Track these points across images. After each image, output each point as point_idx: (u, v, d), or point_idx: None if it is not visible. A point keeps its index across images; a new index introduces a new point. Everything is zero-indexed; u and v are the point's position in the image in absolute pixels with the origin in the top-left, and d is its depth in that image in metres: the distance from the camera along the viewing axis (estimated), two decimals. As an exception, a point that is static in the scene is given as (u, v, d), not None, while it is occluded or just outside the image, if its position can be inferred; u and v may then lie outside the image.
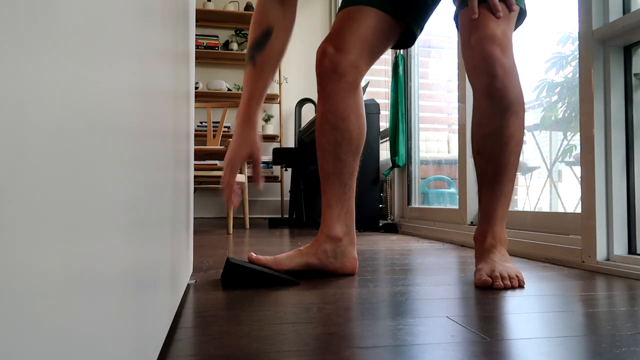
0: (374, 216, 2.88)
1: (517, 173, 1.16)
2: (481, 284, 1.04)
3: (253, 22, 1.21)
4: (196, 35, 4.28)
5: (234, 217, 3.27)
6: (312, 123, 3.26)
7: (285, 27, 1.22)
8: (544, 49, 2.63)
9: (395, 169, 3.01)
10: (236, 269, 1.06)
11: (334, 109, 1.21)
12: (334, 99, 1.21)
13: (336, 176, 1.21)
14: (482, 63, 1.09)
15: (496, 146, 1.11)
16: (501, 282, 1.03)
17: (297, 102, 4.43)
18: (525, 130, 1.16)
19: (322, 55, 1.22)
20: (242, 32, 4.62)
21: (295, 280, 1.09)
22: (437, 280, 1.13)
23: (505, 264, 1.09)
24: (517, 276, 1.06)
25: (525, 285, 1.07)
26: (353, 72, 1.22)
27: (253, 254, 1.14)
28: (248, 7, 4.54)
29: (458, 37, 2.26)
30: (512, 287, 1.04)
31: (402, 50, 3.00)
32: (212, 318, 0.77)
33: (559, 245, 1.49)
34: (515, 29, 1.19)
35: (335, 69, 1.20)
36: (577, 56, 1.43)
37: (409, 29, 1.31)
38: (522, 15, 1.18)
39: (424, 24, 1.36)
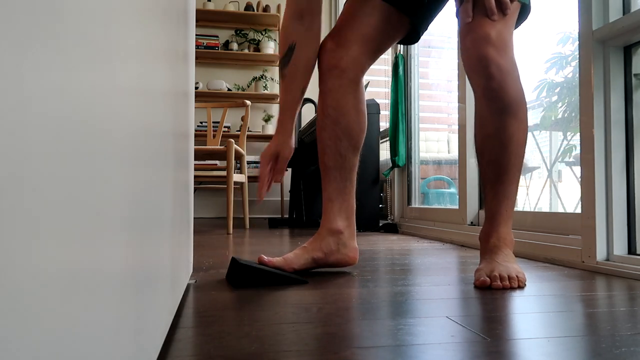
0: (374, 216, 2.87)
1: (520, 174, 1.15)
2: (480, 284, 1.04)
3: (279, 42, 1.27)
4: (196, 35, 4.28)
5: (233, 217, 3.26)
6: (312, 123, 3.26)
7: (308, 42, 1.25)
8: (544, 49, 2.63)
9: (395, 169, 3.01)
10: (244, 269, 1.06)
11: (335, 104, 1.23)
12: (335, 94, 1.23)
13: (337, 171, 1.23)
14: (477, 64, 1.08)
15: (496, 148, 1.11)
16: (499, 283, 1.03)
17: (297, 102, 4.42)
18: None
19: (324, 51, 1.24)
20: (242, 32, 4.62)
21: (302, 279, 1.10)
22: (437, 280, 1.13)
23: (507, 264, 1.08)
24: (517, 276, 1.05)
25: (525, 286, 1.07)
26: (354, 68, 1.23)
27: (264, 256, 1.14)
28: (248, 7, 4.54)
29: (458, 36, 2.27)
30: (512, 288, 1.03)
31: (402, 50, 3.00)
32: (212, 318, 0.77)
33: (559, 245, 1.49)
34: (518, 25, 1.17)
35: (336, 65, 1.22)
36: (577, 56, 1.43)
37: (414, 27, 1.31)
38: (525, 10, 1.16)
39: (429, 24, 1.36)
